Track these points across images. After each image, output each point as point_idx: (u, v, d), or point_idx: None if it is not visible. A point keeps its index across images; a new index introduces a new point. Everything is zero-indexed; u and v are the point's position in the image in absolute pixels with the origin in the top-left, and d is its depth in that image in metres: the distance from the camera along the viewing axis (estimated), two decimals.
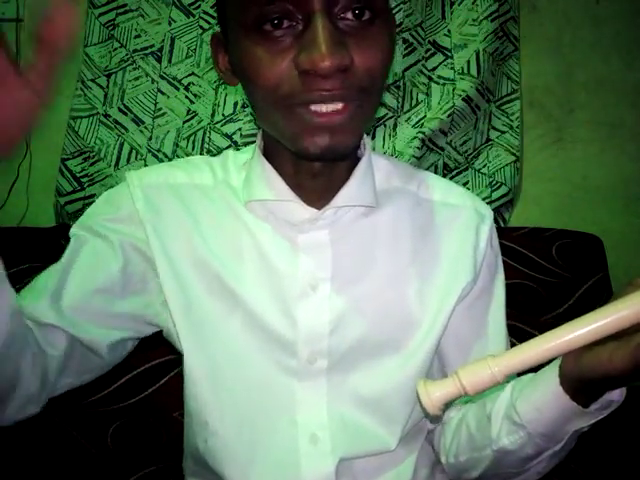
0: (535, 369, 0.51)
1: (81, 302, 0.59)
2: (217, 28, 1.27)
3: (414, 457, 0.65)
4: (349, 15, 0.50)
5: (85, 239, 0.61)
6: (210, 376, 0.60)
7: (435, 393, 0.45)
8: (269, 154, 0.62)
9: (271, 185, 0.60)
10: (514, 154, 1.20)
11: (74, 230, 0.62)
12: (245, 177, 0.63)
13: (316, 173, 0.60)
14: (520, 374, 0.54)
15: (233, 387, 0.61)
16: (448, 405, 0.47)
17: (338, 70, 0.49)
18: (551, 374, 0.51)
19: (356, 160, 0.62)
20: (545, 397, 0.52)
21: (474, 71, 1.17)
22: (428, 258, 0.63)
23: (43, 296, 0.57)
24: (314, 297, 0.60)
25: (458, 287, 0.62)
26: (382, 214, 0.63)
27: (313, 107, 0.51)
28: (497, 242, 0.68)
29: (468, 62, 1.18)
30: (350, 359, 0.61)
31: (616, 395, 0.50)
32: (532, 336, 0.89)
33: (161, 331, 0.65)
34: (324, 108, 0.51)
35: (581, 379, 0.48)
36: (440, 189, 0.67)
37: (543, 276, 0.98)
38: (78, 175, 1.15)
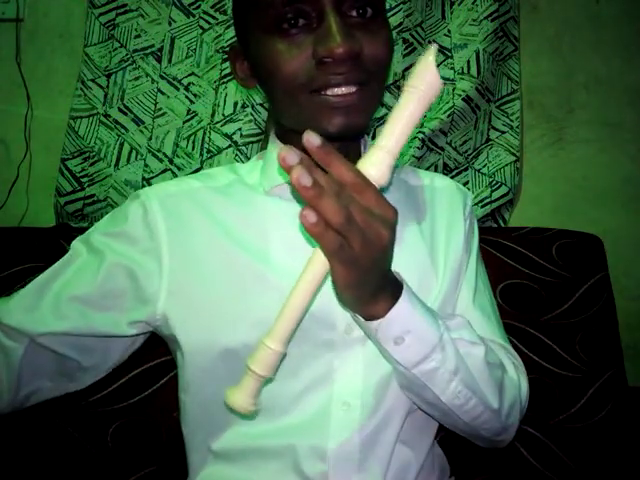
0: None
1: (58, 304, 0.63)
2: (217, 28, 1.26)
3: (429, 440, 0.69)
4: (354, 13, 0.58)
5: (79, 252, 0.66)
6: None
7: (240, 395, 0.50)
8: (285, 143, 0.67)
9: None
10: (514, 154, 1.20)
11: (74, 243, 0.68)
12: (261, 168, 0.70)
13: None
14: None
15: None
16: (258, 395, 0.52)
17: (351, 56, 0.56)
18: None
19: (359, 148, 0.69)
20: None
21: (474, 71, 1.17)
22: (429, 233, 0.71)
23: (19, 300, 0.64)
24: None
25: (456, 253, 0.71)
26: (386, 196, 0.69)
27: (329, 91, 0.58)
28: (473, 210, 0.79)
29: (468, 62, 1.18)
30: None
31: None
32: (532, 336, 0.89)
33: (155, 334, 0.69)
34: (339, 91, 0.58)
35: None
36: (425, 176, 0.78)
37: (543, 276, 0.98)
38: (78, 175, 1.15)
